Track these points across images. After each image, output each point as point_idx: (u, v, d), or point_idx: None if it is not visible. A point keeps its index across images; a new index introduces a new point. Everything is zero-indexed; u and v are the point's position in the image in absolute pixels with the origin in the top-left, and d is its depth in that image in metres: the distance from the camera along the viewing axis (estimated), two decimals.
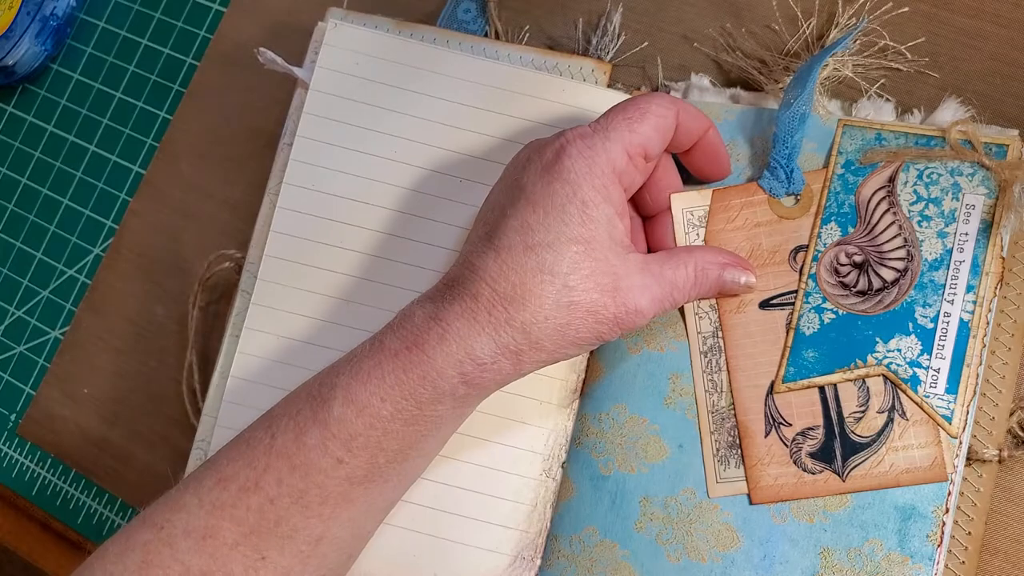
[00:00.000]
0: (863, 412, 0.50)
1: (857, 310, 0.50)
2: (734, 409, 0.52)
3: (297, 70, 0.61)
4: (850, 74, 0.55)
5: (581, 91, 0.59)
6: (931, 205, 0.50)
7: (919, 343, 0.49)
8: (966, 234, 0.49)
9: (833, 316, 0.51)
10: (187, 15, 0.71)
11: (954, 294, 0.49)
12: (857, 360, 0.50)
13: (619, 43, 0.62)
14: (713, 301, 0.54)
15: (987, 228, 0.49)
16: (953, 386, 0.48)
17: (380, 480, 0.47)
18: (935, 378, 0.48)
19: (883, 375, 0.49)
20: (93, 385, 0.68)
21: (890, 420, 0.49)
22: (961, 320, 0.49)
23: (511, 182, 0.49)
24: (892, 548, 0.48)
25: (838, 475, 0.49)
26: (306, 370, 0.52)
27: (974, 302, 0.49)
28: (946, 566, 0.48)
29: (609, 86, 0.61)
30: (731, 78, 0.59)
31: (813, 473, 0.49)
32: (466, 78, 0.59)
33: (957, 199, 0.50)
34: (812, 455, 0.50)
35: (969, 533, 0.48)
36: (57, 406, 0.68)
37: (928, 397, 0.48)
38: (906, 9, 0.56)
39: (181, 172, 0.69)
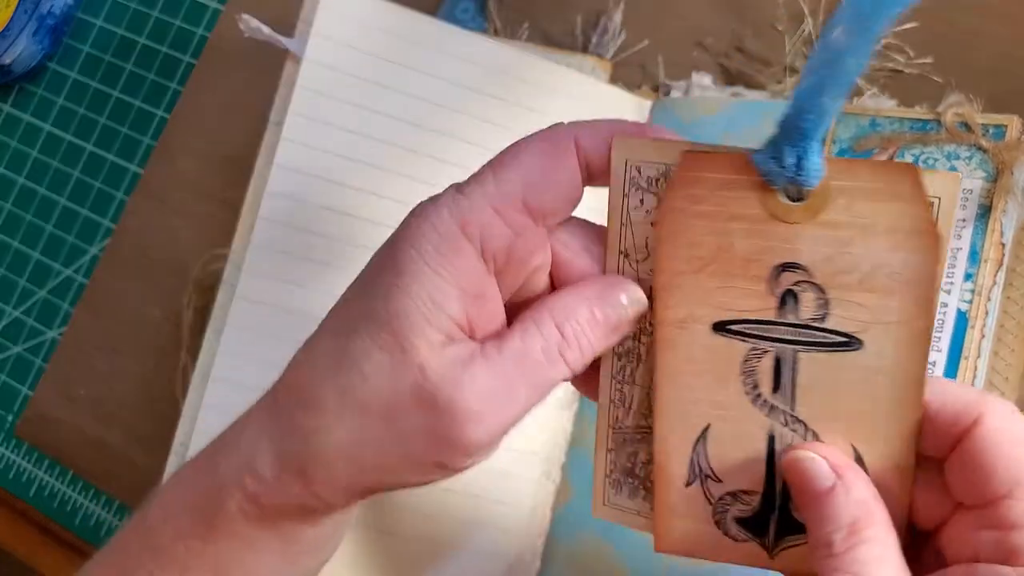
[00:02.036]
0: None
1: None
2: (651, 442, 0.39)
3: (286, 41, 0.56)
4: None
5: (587, 84, 0.59)
6: None
7: None
8: (963, 220, 0.48)
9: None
10: (185, 14, 0.71)
11: (951, 283, 0.48)
12: None
13: (620, 41, 0.62)
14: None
15: (985, 213, 0.48)
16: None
17: None
18: (931, 371, 0.47)
19: None
20: (90, 386, 0.68)
21: None
22: (959, 310, 0.48)
23: None
24: None
25: (766, 550, 0.39)
26: None
27: (972, 291, 0.47)
28: None
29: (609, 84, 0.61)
30: (732, 77, 0.59)
31: (736, 540, 0.39)
32: (471, 59, 0.57)
33: None
34: (739, 521, 0.39)
35: None
36: (54, 407, 0.68)
37: None
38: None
39: (179, 172, 0.69)
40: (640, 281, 0.37)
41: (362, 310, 0.36)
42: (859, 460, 0.36)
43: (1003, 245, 0.48)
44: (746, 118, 0.55)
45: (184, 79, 0.70)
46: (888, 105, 0.54)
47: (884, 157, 0.50)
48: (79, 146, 0.71)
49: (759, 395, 0.37)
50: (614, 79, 0.61)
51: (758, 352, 0.36)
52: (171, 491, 0.40)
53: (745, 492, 0.38)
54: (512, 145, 0.37)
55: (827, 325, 0.35)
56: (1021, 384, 0.49)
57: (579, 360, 0.37)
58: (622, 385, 0.40)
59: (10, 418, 0.70)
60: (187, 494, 0.39)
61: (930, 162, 0.50)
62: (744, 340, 0.37)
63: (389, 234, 0.38)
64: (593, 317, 0.37)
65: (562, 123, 0.37)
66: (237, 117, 0.68)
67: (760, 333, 0.36)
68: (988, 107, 0.52)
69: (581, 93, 0.58)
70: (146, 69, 0.71)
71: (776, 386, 0.36)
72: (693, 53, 0.61)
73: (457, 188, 0.36)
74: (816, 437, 0.36)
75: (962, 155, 0.49)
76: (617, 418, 0.40)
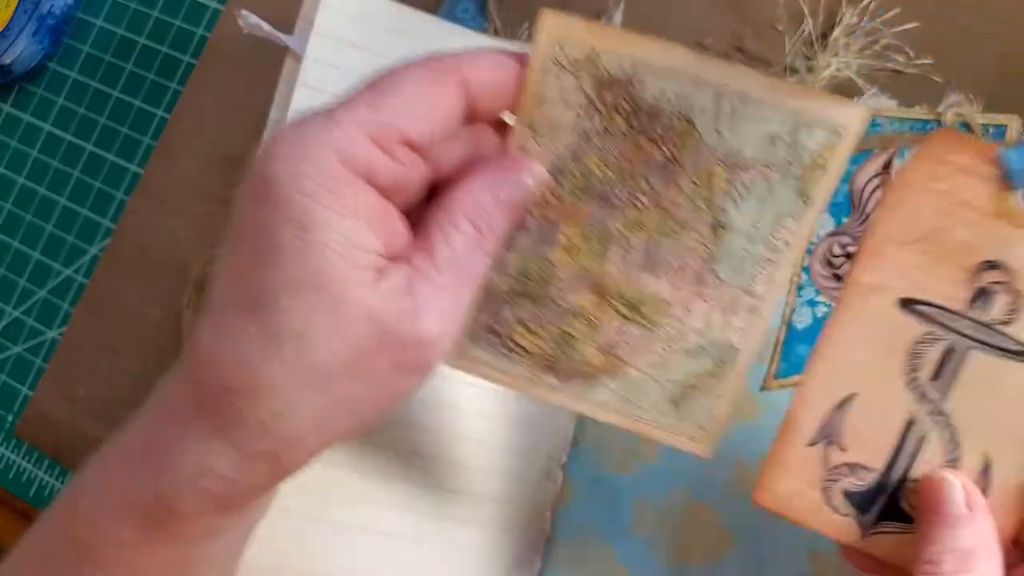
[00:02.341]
0: None
1: None
2: (519, 305, 0.39)
3: (286, 38, 0.56)
4: (852, 75, 0.55)
5: None
6: None
7: None
8: None
9: (827, 310, 0.50)
10: (185, 14, 0.71)
11: None
12: None
13: None
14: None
15: None
16: None
17: None
18: None
19: None
20: (90, 386, 0.67)
21: None
22: None
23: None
24: None
25: (862, 528, 0.39)
26: None
27: None
28: None
29: None
30: None
31: (836, 511, 0.40)
32: None
33: None
34: (847, 494, 0.40)
35: None
36: (54, 407, 0.68)
37: None
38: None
39: (179, 172, 0.69)
40: (540, 157, 0.37)
41: (275, 279, 0.32)
42: (987, 468, 0.37)
43: None
44: None
45: (184, 79, 0.70)
46: (888, 105, 0.54)
47: (883, 158, 0.50)
48: (79, 146, 0.71)
49: (915, 379, 0.37)
50: None
51: (932, 337, 0.37)
52: (93, 509, 0.37)
53: (864, 467, 0.39)
54: (391, 71, 0.35)
55: (1010, 331, 0.36)
56: None
57: (496, 245, 0.36)
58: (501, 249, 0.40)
59: (10, 418, 0.69)
60: (120, 503, 0.36)
61: None
62: (924, 322, 0.38)
63: None
64: (499, 202, 0.36)
65: (446, 53, 0.35)
66: (237, 117, 0.68)
67: (943, 321, 0.37)
68: (988, 107, 0.52)
69: None
70: (146, 69, 0.71)
71: (937, 375, 0.37)
72: None
73: (327, 116, 0.33)
74: (953, 435, 0.37)
75: None
76: (491, 279, 0.39)
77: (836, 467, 0.39)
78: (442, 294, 0.34)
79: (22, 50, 0.70)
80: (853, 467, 0.39)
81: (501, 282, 0.39)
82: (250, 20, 0.55)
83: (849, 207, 0.50)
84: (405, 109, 0.34)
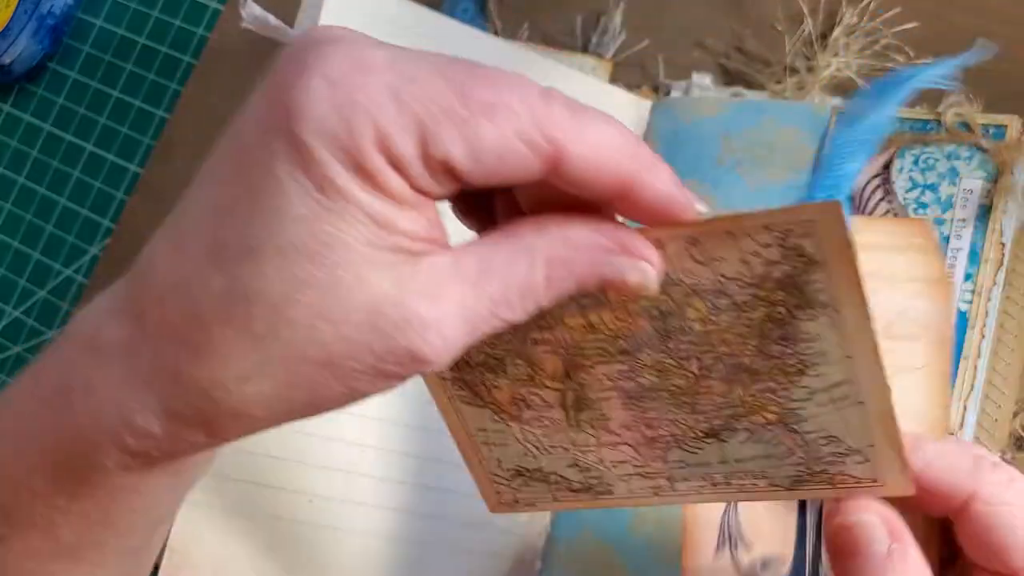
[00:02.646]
0: None
1: None
2: (494, 369, 0.36)
3: (292, 32, 0.54)
4: (852, 75, 0.55)
5: (587, 84, 0.58)
6: (927, 191, 0.49)
7: None
8: (963, 220, 0.48)
9: None
10: (185, 14, 0.71)
11: (951, 283, 0.48)
12: None
13: (619, 41, 0.62)
14: None
15: (985, 213, 0.48)
16: (951, 380, 0.47)
17: (84, 548, 0.34)
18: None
19: None
20: None
21: None
22: (959, 311, 0.47)
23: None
24: None
25: None
26: None
27: (972, 291, 0.47)
28: None
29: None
30: (732, 77, 0.59)
31: None
32: (473, 55, 0.57)
33: (954, 184, 0.49)
34: None
35: None
36: None
37: None
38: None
39: (179, 172, 0.68)
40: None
41: (267, 234, 0.27)
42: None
43: (1003, 245, 0.48)
44: (746, 118, 0.55)
45: (184, 79, 0.70)
46: None
47: (883, 158, 0.50)
48: (79, 146, 0.71)
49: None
50: (614, 79, 0.61)
51: None
52: (2, 457, 0.32)
53: (776, 558, 0.37)
54: (503, 81, 0.29)
55: None
56: (1021, 384, 0.49)
57: (548, 303, 0.30)
58: None
59: None
60: (31, 449, 0.32)
61: (930, 162, 0.50)
62: None
63: None
64: (592, 274, 0.30)
65: (559, 97, 0.31)
66: None
67: None
68: (988, 107, 0.52)
69: (582, 92, 0.58)
70: (146, 69, 0.71)
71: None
72: (693, 53, 0.60)
73: (388, 80, 0.27)
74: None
75: (962, 155, 0.49)
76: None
77: (750, 567, 0.37)
78: (464, 324, 0.29)
79: (22, 50, 0.70)
80: (767, 562, 0.37)
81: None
82: (254, 12, 0.54)
83: (850, 208, 0.51)
84: (474, 140, 0.27)
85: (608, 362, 0.33)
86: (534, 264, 0.29)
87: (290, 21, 0.55)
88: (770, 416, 0.33)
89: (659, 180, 0.29)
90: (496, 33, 0.63)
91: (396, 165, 0.27)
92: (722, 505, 0.36)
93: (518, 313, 0.30)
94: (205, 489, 0.50)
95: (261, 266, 0.27)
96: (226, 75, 0.69)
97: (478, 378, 0.35)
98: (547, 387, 0.35)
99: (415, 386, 0.54)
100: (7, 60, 0.70)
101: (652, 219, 0.30)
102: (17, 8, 0.70)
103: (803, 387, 0.32)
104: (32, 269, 0.71)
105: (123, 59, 0.72)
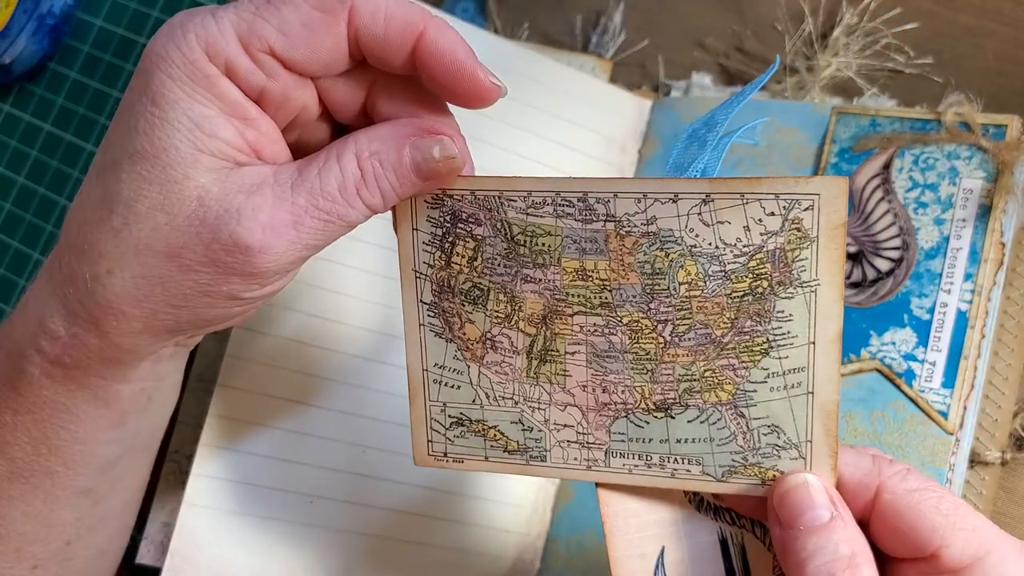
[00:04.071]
0: None
1: (851, 303, 0.49)
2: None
3: None
4: (852, 75, 0.55)
5: (587, 83, 0.58)
6: (927, 191, 0.49)
7: (914, 335, 0.48)
8: (963, 220, 0.48)
9: None
10: None
11: (951, 283, 0.48)
12: (851, 355, 0.49)
13: (619, 41, 0.62)
14: None
15: (985, 213, 0.48)
16: (950, 380, 0.47)
17: (37, 476, 0.40)
18: (931, 372, 0.47)
19: (876, 369, 0.48)
20: None
21: None
22: (959, 310, 0.47)
23: None
24: None
25: None
26: (295, 372, 0.52)
27: (972, 291, 0.47)
28: None
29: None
30: (732, 77, 0.59)
31: None
32: (476, 54, 0.57)
33: (954, 184, 0.49)
34: None
35: None
36: None
37: (923, 392, 0.47)
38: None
39: None
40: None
41: (124, 147, 0.34)
42: None
43: (1003, 245, 0.48)
44: (746, 118, 0.55)
45: None
46: (888, 105, 0.54)
47: (883, 158, 0.50)
48: (79, 146, 0.71)
49: (702, 499, 0.37)
50: (614, 79, 0.61)
51: None
52: None
53: None
54: None
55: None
56: (1021, 384, 0.49)
57: (378, 203, 0.35)
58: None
59: None
60: None
61: (930, 162, 0.50)
62: None
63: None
64: (400, 160, 0.35)
65: None
66: None
67: None
68: (988, 107, 0.52)
69: (582, 92, 0.58)
70: None
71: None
72: (693, 53, 0.60)
73: (212, 10, 0.34)
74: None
75: (962, 155, 0.49)
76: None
77: None
78: (282, 213, 0.34)
79: (22, 50, 0.70)
80: None
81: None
82: None
83: (850, 207, 0.50)
84: (280, 26, 0.33)
85: (587, 314, 0.36)
86: (346, 162, 0.35)
87: None
88: (723, 395, 0.35)
89: (449, 38, 0.34)
90: (496, 32, 0.63)
91: (228, 71, 0.34)
92: (649, 569, 0.37)
93: (344, 207, 0.35)
94: (206, 490, 0.51)
95: (119, 172, 0.34)
96: None
97: (456, 307, 0.37)
98: (520, 330, 0.37)
99: None
100: (7, 60, 0.70)
101: (457, 82, 0.35)
102: (17, 8, 0.70)
103: (763, 368, 0.34)
104: (32, 269, 0.71)
105: (123, 59, 0.72)
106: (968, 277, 0.48)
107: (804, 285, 0.34)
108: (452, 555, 0.54)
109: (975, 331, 0.47)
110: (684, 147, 0.37)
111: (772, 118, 0.54)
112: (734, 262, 0.34)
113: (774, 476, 0.35)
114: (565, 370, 0.37)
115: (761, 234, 0.34)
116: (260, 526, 0.51)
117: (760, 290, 0.34)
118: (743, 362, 0.35)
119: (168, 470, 0.56)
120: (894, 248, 0.49)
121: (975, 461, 0.48)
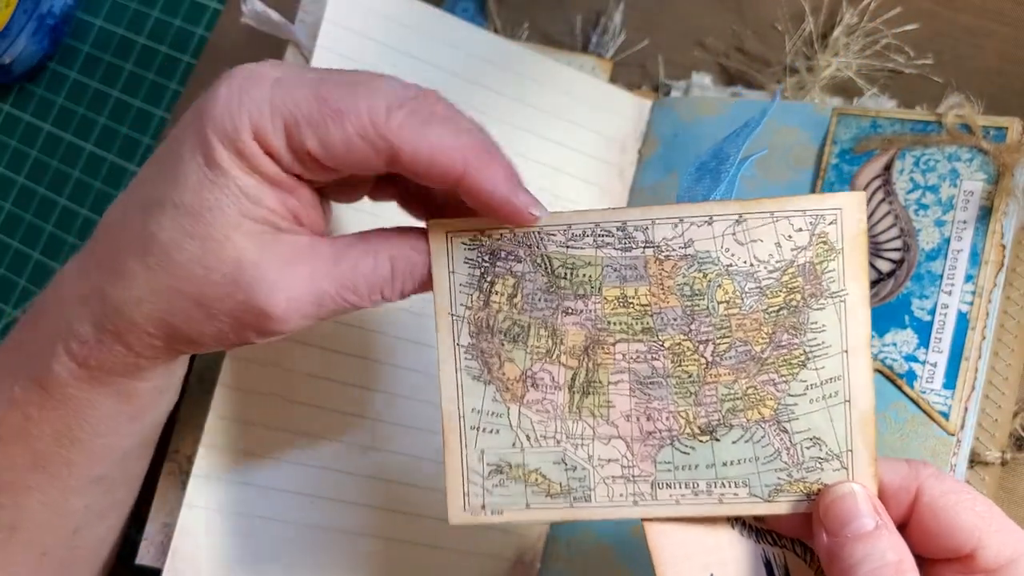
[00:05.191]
0: None
1: None
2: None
3: (292, 27, 0.55)
4: (852, 75, 0.55)
5: (587, 83, 0.58)
6: (928, 193, 0.49)
7: (915, 336, 0.48)
8: (964, 222, 0.48)
9: None
10: (185, 14, 0.71)
11: (952, 284, 0.48)
12: None
13: (619, 41, 0.62)
14: None
15: (986, 215, 0.48)
16: (951, 381, 0.47)
17: (56, 465, 0.42)
18: (932, 373, 0.47)
19: (878, 370, 0.48)
20: None
21: None
22: (959, 312, 0.47)
23: None
24: None
25: None
26: (296, 372, 0.52)
27: (973, 292, 0.47)
28: None
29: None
30: (732, 77, 0.59)
31: None
32: (474, 53, 0.57)
33: (955, 186, 0.49)
34: None
35: None
36: None
37: (924, 393, 0.47)
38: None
39: None
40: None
41: (169, 195, 0.36)
42: None
43: (1004, 247, 0.48)
44: (746, 118, 0.55)
45: (184, 79, 0.70)
46: (888, 106, 0.54)
47: (884, 159, 0.50)
48: (79, 146, 0.71)
49: (744, 522, 0.38)
50: (614, 79, 0.61)
51: None
52: None
53: None
54: (365, 81, 0.37)
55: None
56: (1021, 384, 0.49)
57: (394, 299, 0.39)
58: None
59: None
60: (10, 361, 0.41)
61: (931, 164, 0.50)
62: None
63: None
64: (428, 276, 0.39)
65: (427, 95, 0.37)
66: None
67: None
68: (989, 109, 0.52)
69: (582, 92, 0.58)
70: (146, 69, 0.71)
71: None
72: (693, 53, 0.60)
73: (276, 84, 0.36)
74: (805, 547, 0.38)
75: (963, 157, 0.49)
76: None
77: None
78: (309, 294, 0.37)
79: (22, 50, 0.70)
80: None
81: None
82: (255, 8, 0.55)
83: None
84: (325, 134, 0.36)
85: (629, 341, 0.37)
86: (380, 262, 0.38)
87: (290, 17, 0.55)
88: (766, 411, 0.36)
89: (489, 178, 0.36)
90: (496, 32, 0.63)
91: (269, 152, 0.36)
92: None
93: (364, 299, 0.38)
94: (206, 491, 0.51)
95: (161, 217, 0.36)
96: None
97: (495, 347, 0.38)
98: (561, 364, 0.38)
99: (421, 390, 0.54)
100: (7, 60, 0.70)
101: (496, 215, 0.37)
102: (17, 8, 0.70)
103: (801, 380, 0.36)
104: (32, 269, 0.71)
105: (123, 59, 0.72)
106: (969, 279, 0.48)
107: (834, 295, 0.36)
108: (452, 556, 0.54)
109: (976, 332, 0.47)
110: (694, 180, 0.39)
111: (772, 118, 0.54)
112: (768, 277, 0.36)
113: (818, 490, 0.36)
114: (608, 401, 0.37)
115: (792, 249, 0.36)
116: (260, 526, 0.51)
117: (794, 303, 0.36)
118: (783, 376, 0.36)
119: (168, 470, 0.55)
120: (895, 249, 0.49)
121: (975, 461, 0.48)
